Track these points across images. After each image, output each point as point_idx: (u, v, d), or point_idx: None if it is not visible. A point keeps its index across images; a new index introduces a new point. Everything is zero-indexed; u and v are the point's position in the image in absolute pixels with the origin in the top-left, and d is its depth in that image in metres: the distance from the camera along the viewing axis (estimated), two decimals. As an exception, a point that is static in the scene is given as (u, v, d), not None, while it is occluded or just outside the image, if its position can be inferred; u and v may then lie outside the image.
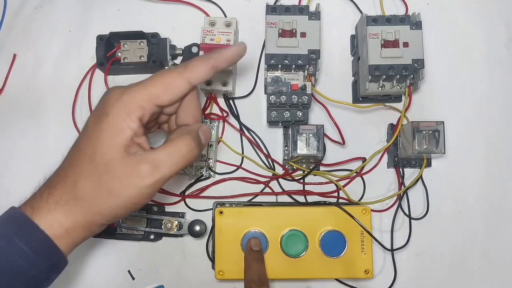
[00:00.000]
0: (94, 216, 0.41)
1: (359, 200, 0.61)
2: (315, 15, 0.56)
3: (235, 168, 0.61)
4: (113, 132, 0.40)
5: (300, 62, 0.55)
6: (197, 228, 0.58)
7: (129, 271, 0.60)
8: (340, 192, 0.61)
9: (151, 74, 0.63)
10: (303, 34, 0.56)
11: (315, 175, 0.61)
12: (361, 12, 0.64)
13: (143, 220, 0.60)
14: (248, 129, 0.62)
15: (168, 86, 0.42)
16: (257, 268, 0.54)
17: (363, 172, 0.61)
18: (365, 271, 0.56)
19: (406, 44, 0.55)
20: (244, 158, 0.62)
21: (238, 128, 0.62)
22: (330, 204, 0.59)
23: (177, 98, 0.43)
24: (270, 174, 0.61)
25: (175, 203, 0.61)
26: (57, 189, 0.41)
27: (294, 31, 0.56)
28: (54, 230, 0.40)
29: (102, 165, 0.40)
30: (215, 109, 0.61)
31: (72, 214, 0.40)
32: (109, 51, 0.60)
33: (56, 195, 0.41)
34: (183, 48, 0.62)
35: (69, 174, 0.41)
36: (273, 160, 0.61)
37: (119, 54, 0.61)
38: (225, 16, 0.63)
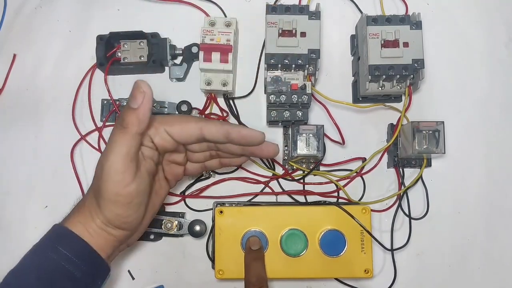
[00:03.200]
0: (101, 219, 0.46)
1: (359, 200, 0.61)
2: (315, 15, 0.56)
3: (235, 168, 0.61)
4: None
5: (300, 61, 0.55)
6: (197, 228, 0.58)
7: (129, 271, 0.60)
8: (340, 192, 0.61)
9: (151, 74, 0.64)
10: (303, 34, 0.56)
11: (315, 175, 0.61)
12: (361, 12, 0.64)
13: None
14: (248, 129, 0.62)
15: (182, 123, 0.47)
16: (256, 269, 0.54)
17: (363, 172, 0.61)
18: (365, 270, 0.56)
19: (406, 44, 0.55)
20: (244, 158, 0.62)
21: (238, 128, 0.62)
22: (330, 204, 0.59)
23: (186, 137, 0.47)
24: (270, 174, 0.61)
25: (175, 203, 0.61)
26: (84, 201, 0.48)
27: (294, 30, 0.56)
28: (94, 239, 0.46)
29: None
30: (215, 109, 0.61)
31: (93, 224, 0.46)
32: (109, 51, 0.60)
33: (85, 208, 0.47)
34: (183, 48, 0.62)
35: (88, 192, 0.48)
36: (273, 160, 0.61)
37: (119, 54, 0.61)
38: (225, 16, 0.63)
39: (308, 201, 0.61)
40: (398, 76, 0.55)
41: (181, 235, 0.60)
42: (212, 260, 0.58)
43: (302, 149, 0.56)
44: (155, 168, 0.49)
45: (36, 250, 0.46)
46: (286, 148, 0.61)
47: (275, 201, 0.61)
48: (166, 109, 0.61)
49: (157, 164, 0.49)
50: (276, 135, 0.62)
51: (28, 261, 0.46)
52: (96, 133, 0.62)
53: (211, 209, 0.60)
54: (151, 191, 0.50)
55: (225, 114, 0.61)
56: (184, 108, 0.60)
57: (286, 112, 0.57)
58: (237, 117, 0.62)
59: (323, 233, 0.56)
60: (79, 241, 0.45)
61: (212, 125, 0.47)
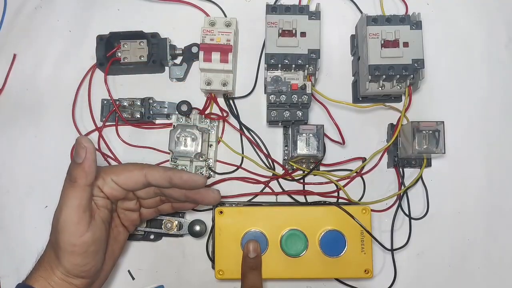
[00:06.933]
0: (60, 270, 0.47)
1: (359, 200, 0.61)
2: (315, 15, 0.56)
3: (235, 168, 0.61)
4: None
5: (300, 61, 0.55)
6: (197, 228, 0.58)
7: (129, 271, 0.60)
8: (340, 192, 0.61)
9: (150, 75, 0.63)
10: (303, 34, 0.56)
11: (315, 175, 0.61)
12: (361, 12, 0.64)
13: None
14: (248, 129, 0.62)
15: (127, 172, 0.49)
16: (251, 279, 0.54)
17: (363, 172, 0.61)
18: (365, 270, 0.56)
19: (406, 44, 0.55)
20: (244, 158, 0.62)
21: (238, 128, 0.62)
22: (330, 204, 0.59)
23: (132, 184, 0.49)
24: (270, 174, 0.61)
25: (175, 203, 0.61)
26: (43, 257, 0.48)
27: (294, 30, 0.56)
28: None
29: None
30: (215, 109, 0.61)
31: (54, 277, 0.47)
32: (109, 51, 0.60)
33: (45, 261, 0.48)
34: (183, 48, 0.62)
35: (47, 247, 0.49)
36: (273, 160, 0.61)
37: (119, 54, 0.61)
38: (225, 16, 0.63)
39: (308, 201, 0.61)
40: (398, 76, 0.55)
41: (181, 235, 0.60)
42: (212, 260, 0.58)
43: (302, 149, 0.56)
44: (110, 216, 0.50)
45: None
46: (286, 148, 0.61)
47: (275, 201, 0.61)
48: (166, 109, 0.61)
49: (111, 211, 0.51)
50: (276, 135, 0.62)
51: None
52: (96, 133, 0.62)
53: (211, 209, 0.60)
54: (109, 238, 0.51)
55: (225, 114, 0.61)
56: (184, 108, 0.60)
57: (286, 112, 0.57)
58: (237, 117, 0.62)
59: (323, 233, 0.56)
60: None
61: (155, 171, 0.49)
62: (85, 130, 0.62)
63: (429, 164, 0.60)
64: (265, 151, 0.61)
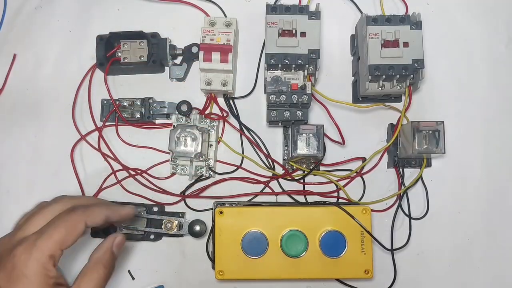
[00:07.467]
0: None
1: (359, 200, 0.61)
2: (315, 15, 0.56)
3: (235, 168, 0.61)
4: None
5: (300, 61, 0.55)
6: (197, 228, 0.58)
7: (129, 271, 0.60)
8: (340, 192, 0.61)
9: (150, 75, 0.63)
10: (303, 34, 0.56)
11: (315, 175, 0.61)
12: (361, 12, 0.64)
13: (143, 220, 0.60)
14: (248, 129, 0.62)
15: (71, 230, 0.45)
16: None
17: (363, 172, 0.61)
18: (365, 271, 0.56)
19: (406, 44, 0.55)
20: (244, 158, 0.62)
21: (238, 128, 0.62)
22: (330, 204, 0.59)
23: (78, 238, 0.45)
24: (270, 174, 0.61)
25: (175, 203, 0.61)
26: None
27: (294, 30, 0.56)
28: None
29: None
30: (215, 109, 0.61)
31: None
32: (109, 51, 0.60)
33: None
34: (183, 48, 0.62)
35: None
36: (273, 160, 0.61)
37: (119, 54, 0.61)
38: (225, 16, 0.63)
39: (308, 201, 0.61)
40: (398, 76, 0.55)
41: (181, 235, 0.60)
42: (212, 260, 0.58)
43: (302, 149, 0.56)
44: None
45: None
46: (286, 148, 0.61)
47: (275, 201, 0.61)
48: (166, 109, 0.61)
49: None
50: (276, 135, 0.62)
51: None
52: (96, 133, 0.62)
53: (211, 209, 0.60)
54: None
55: (225, 114, 0.61)
56: (184, 108, 0.60)
57: (286, 112, 0.57)
58: (237, 117, 0.62)
59: (323, 234, 0.56)
60: None
61: (94, 217, 0.47)
62: (85, 130, 0.62)
63: (429, 164, 0.60)
64: (265, 151, 0.61)
